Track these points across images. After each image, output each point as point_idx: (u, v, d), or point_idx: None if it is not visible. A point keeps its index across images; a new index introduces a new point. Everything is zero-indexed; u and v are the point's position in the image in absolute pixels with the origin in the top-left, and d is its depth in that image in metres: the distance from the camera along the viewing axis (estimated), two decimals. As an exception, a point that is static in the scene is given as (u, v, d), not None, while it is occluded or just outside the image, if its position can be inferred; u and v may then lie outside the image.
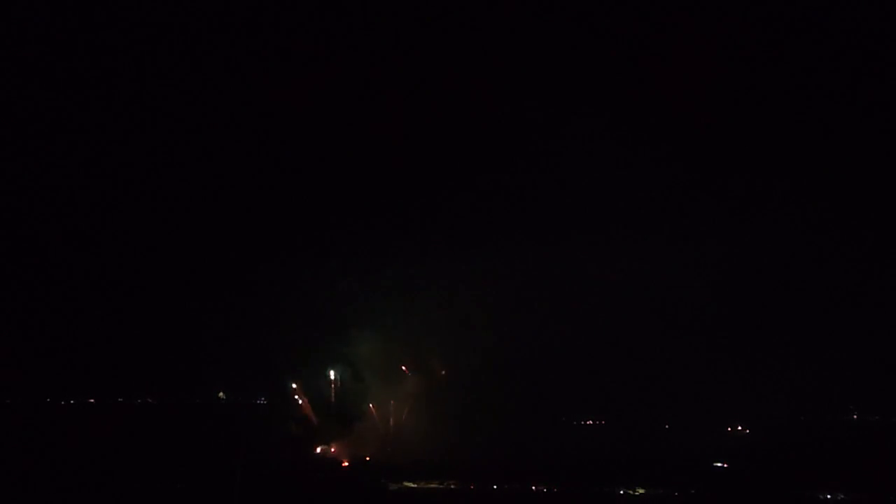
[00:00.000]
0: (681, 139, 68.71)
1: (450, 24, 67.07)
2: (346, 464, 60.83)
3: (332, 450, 62.42)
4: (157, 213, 73.83)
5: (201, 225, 73.60)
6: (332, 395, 63.52)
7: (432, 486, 53.17)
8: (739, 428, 71.50)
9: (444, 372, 63.56)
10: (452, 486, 52.93)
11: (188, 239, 73.14)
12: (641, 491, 50.88)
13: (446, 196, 70.57)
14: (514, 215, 70.88)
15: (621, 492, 51.16)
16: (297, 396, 63.71)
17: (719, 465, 59.07)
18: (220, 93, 71.57)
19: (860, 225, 68.06)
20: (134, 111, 71.65)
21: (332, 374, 63.82)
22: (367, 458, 60.78)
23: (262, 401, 72.84)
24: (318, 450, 62.18)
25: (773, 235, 68.04)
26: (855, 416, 73.35)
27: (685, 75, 68.16)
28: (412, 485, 53.27)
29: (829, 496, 48.73)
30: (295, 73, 71.21)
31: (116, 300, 72.89)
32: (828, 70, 66.79)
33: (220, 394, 76.99)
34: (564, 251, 67.58)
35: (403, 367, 64.76)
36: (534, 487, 52.17)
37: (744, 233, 69.19)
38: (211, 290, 71.24)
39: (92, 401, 76.34)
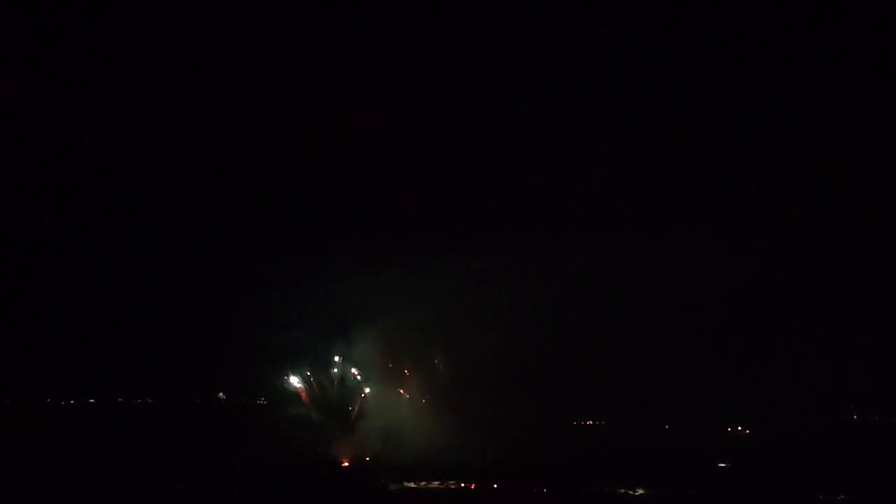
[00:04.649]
0: (685, 141, 68.86)
1: (459, 23, 67.23)
2: (346, 464, 60.81)
3: (332, 450, 62.41)
4: (157, 213, 73.95)
5: (202, 226, 73.71)
6: (335, 394, 63.53)
7: (432, 486, 53.21)
8: (740, 428, 71.52)
9: (446, 371, 63.58)
10: (452, 486, 52.98)
11: (189, 239, 73.25)
12: (641, 491, 50.89)
13: (451, 196, 70.72)
14: (517, 216, 71.04)
15: (621, 492, 51.20)
16: (298, 395, 63.70)
17: (723, 465, 59.08)
18: (221, 90, 71.70)
19: (860, 227, 68.12)
20: (134, 110, 71.79)
21: (334, 373, 63.84)
22: (367, 458, 60.76)
23: (262, 401, 72.80)
24: (320, 449, 62.18)
25: (773, 237, 68.16)
26: (855, 416, 73.39)
27: (691, 76, 68.42)
28: (412, 485, 53.30)
29: (829, 496, 48.71)
30: (298, 72, 71.39)
31: (116, 300, 72.97)
32: (830, 71, 66.93)
33: (220, 394, 77.00)
34: (566, 252, 67.66)
35: (406, 370, 64.80)
36: (534, 487, 52.20)
37: (744, 235, 69.34)
38: (211, 290, 71.31)
39: (92, 401, 76.37)
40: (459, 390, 62.46)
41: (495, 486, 52.83)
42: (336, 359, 64.09)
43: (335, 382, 63.86)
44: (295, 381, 63.85)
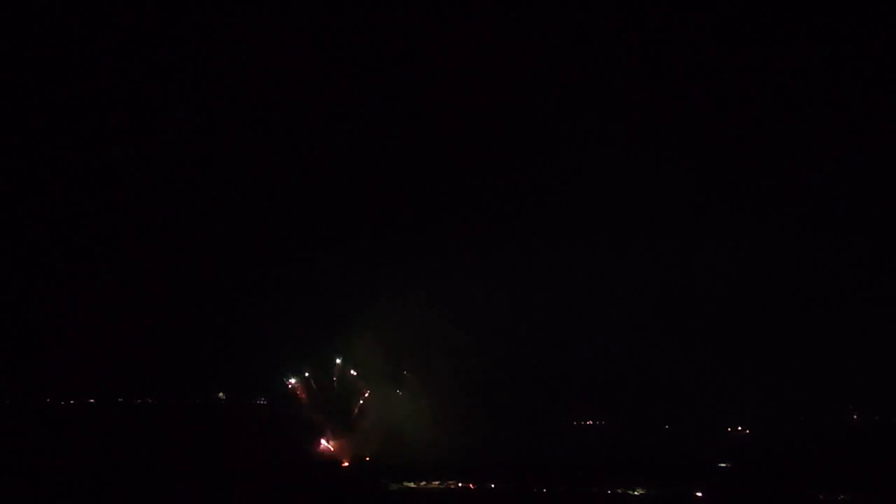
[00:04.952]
0: (683, 141, 68.82)
1: (457, 24, 67.17)
2: (346, 464, 60.84)
3: (332, 449, 62.45)
4: (157, 213, 73.93)
5: (201, 225, 73.69)
6: (335, 394, 63.51)
7: (432, 486, 53.25)
8: (739, 428, 71.54)
9: (446, 371, 63.52)
10: (452, 486, 53.02)
11: (188, 239, 73.22)
12: (641, 491, 50.93)
13: (451, 196, 70.71)
14: (516, 216, 71.04)
15: (621, 492, 51.22)
16: (298, 395, 63.70)
17: (724, 465, 59.11)
18: (222, 92, 71.69)
19: (859, 226, 68.11)
20: (135, 111, 71.79)
21: (334, 373, 63.79)
22: (367, 458, 60.75)
23: (262, 401, 72.81)
24: (320, 447, 62.19)
25: (772, 237, 68.12)
26: (855, 417, 73.39)
27: (691, 76, 68.43)
28: (412, 485, 53.33)
29: (829, 496, 48.74)
30: (298, 73, 71.34)
31: (117, 300, 72.94)
32: (829, 71, 66.91)
33: (220, 394, 77.00)
34: (566, 252, 67.67)
35: (406, 370, 64.77)
36: (534, 487, 52.23)
37: (744, 235, 69.29)
38: (211, 290, 71.28)
39: (92, 401, 76.33)
40: (460, 390, 62.46)
41: (495, 486, 52.85)
42: (336, 359, 64.10)
43: (335, 382, 63.87)
44: (294, 381, 63.85)
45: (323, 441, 62.55)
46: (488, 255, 65.55)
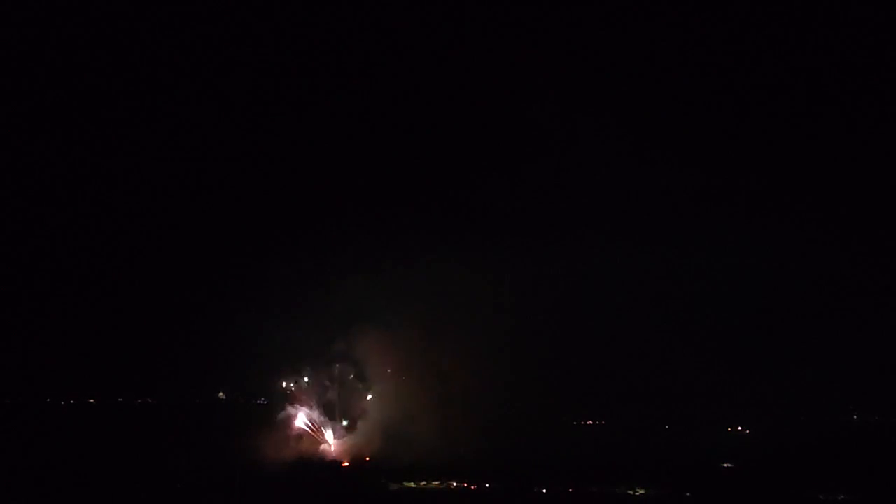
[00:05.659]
0: (684, 142, 68.95)
1: (458, 25, 67.32)
2: (346, 464, 60.85)
3: (333, 449, 62.43)
4: (158, 213, 74.00)
5: (202, 225, 73.76)
6: (335, 394, 63.46)
7: (432, 486, 53.29)
8: (739, 428, 71.60)
9: (446, 371, 63.48)
10: (452, 486, 53.07)
11: (189, 240, 73.31)
12: (641, 491, 50.97)
13: (451, 196, 70.85)
14: (519, 218, 71.14)
15: (619, 492, 51.29)
16: (298, 396, 63.66)
17: (727, 465, 59.15)
18: (223, 91, 71.81)
19: (859, 227, 68.21)
20: (135, 111, 71.88)
21: (334, 373, 63.74)
22: (367, 458, 60.76)
23: (262, 401, 72.81)
24: (320, 448, 62.18)
25: (772, 238, 68.20)
26: (855, 417, 73.45)
27: (688, 78, 68.57)
28: (412, 485, 53.38)
29: (829, 496, 48.79)
30: (300, 73, 71.57)
31: (116, 300, 73.02)
32: (829, 73, 67.03)
33: (220, 394, 77.05)
34: (567, 253, 67.76)
35: (405, 370, 64.70)
36: (534, 487, 52.27)
37: (744, 236, 69.41)
38: (211, 290, 71.35)
39: (92, 401, 76.45)
40: (460, 390, 62.41)
41: (495, 486, 52.89)
42: (337, 360, 64.01)
43: (335, 382, 63.82)
44: (294, 381, 63.78)
45: (323, 441, 62.54)
46: (489, 256, 65.61)
